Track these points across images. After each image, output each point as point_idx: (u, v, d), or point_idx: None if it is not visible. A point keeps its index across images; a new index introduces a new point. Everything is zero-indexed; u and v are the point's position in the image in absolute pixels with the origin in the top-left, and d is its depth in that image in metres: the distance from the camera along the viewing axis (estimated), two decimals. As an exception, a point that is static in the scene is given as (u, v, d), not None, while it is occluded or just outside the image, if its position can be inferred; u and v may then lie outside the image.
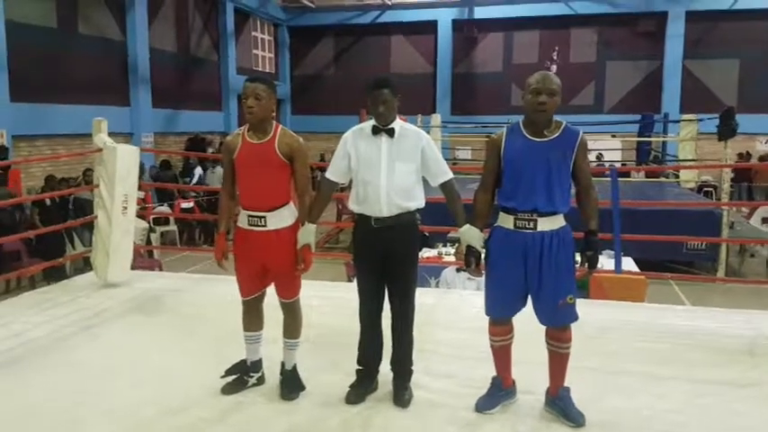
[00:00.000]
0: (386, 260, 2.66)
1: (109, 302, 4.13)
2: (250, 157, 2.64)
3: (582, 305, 4.24)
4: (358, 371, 2.80)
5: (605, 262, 6.28)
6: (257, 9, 17.85)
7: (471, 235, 2.61)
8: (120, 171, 4.37)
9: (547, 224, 2.45)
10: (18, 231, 6.95)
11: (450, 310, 4.00)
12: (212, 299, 4.21)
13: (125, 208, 4.46)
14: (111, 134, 4.71)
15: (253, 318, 2.83)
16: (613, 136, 15.15)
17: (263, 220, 2.65)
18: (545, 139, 2.47)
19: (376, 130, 2.65)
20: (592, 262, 2.55)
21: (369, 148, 2.66)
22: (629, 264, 6.14)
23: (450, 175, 2.71)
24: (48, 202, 8.06)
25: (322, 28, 19.30)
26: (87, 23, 11.41)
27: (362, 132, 2.70)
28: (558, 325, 2.53)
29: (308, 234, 2.69)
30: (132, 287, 4.50)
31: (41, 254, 7.41)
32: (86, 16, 11.37)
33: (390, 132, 2.64)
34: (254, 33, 18.39)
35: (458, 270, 4.97)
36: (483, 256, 2.61)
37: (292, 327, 2.80)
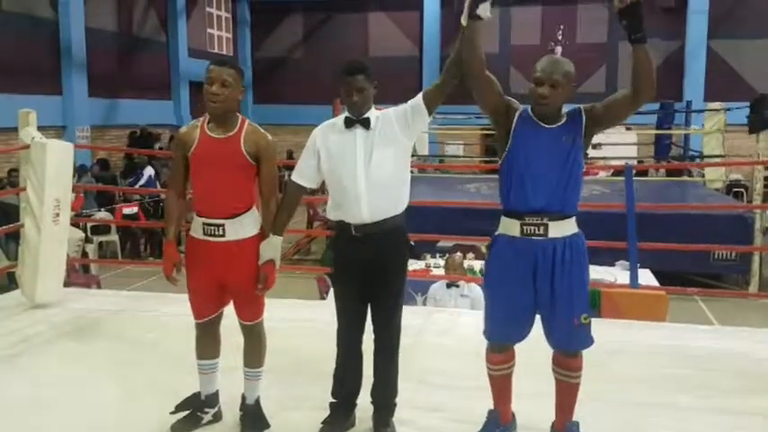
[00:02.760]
0: (370, 275, 2.65)
1: (38, 326, 4.08)
2: (209, 154, 2.62)
3: (594, 324, 4.34)
4: (332, 404, 2.80)
5: (619, 275, 6.37)
6: (213, -19, 17.84)
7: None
8: (51, 171, 4.33)
9: (559, 230, 2.47)
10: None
11: (440, 331, 4.03)
12: (159, 321, 4.19)
13: (57, 215, 4.42)
14: (40, 128, 4.66)
15: (208, 343, 2.81)
16: (628, 128, 15.30)
17: (221, 228, 2.63)
18: (556, 125, 2.50)
19: (349, 122, 2.64)
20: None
21: (341, 142, 2.65)
22: (647, 277, 6.22)
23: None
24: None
25: (288, 3, 19.25)
26: (12, -1, 11.28)
27: (334, 127, 2.71)
28: (571, 349, 2.55)
29: (272, 248, 2.67)
30: (65, 308, 4.46)
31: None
32: (11, -10, 11.23)
33: (366, 123, 2.64)
34: (208, 9, 18.32)
35: (448, 285, 5.00)
36: (480, 269, 2.67)
37: (255, 353, 2.79)
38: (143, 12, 15.41)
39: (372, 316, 2.73)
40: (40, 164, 4.30)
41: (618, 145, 13.66)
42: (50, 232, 4.37)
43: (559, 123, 2.50)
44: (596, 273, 6.56)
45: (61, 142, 4.59)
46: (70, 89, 12.55)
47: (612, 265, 6.68)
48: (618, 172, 10.36)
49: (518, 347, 2.68)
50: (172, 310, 4.34)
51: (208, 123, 2.66)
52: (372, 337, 2.75)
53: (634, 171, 10.83)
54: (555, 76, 2.43)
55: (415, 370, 3.27)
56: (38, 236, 4.33)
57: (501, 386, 2.67)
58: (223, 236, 2.63)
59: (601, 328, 4.15)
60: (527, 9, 18.29)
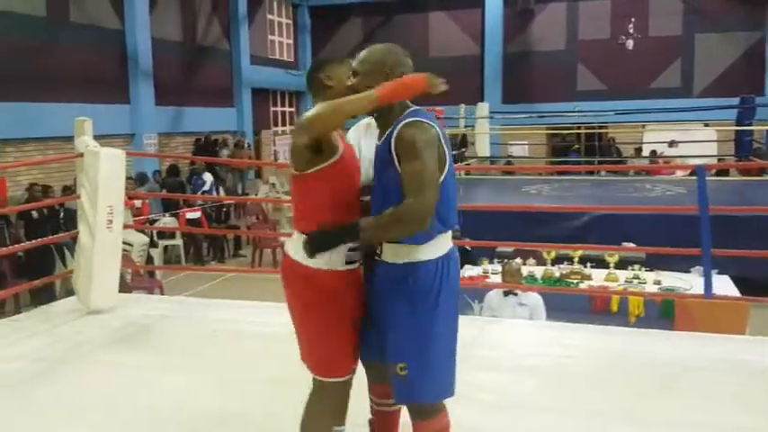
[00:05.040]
0: None
1: (89, 333, 4.11)
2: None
3: (664, 337, 4.08)
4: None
5: (695, 282, 5.99)
6: (274, -12, 18.09)
7: None
8: (104, 178, 4.37)
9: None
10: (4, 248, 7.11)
11: (495, 344, 3.83)
12: (210, 328, 4.12)
13: (110, 221, 4.46)
14: (109, 136, 4.73)
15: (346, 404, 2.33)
16: (706, 125, 14.64)
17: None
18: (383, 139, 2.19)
19: None
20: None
21: (371, 146, 2.42)
22: (725, 285, 5.85)
23: None
24: (34, 214, 8.24)
25: (347, 6, 19.37)
26: (80, 11, 11.73)
27: (369, 128, 2.57)
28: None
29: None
30: (119, 314, 4.49)
31: (28, 273, 7.59)
32: (79, 3, 11.68)
33: None
34: (269, 16, 18.61)
35: (505, 293, 4.80)
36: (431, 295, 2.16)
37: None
38: (206, 21, 15.77)
39: None
40: (93, 171, 4.35)
41: (695, 142, 13.03)
42: (104, 239, 4.42)
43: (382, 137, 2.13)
44: (670, 279, 6.21)
45: (113, 150, 4.64)
46: (137, 98, 12.95)
47: (687, 271, 6.31)
48: (695, 171, 9.84)
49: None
50: (223, 316, 4.31)
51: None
52: None
53: (712, 171, 10.41)
54: (356, 65, 2.17)
55: (463, 386, 3.09)
56: (92, 242, 4.38)
57: None
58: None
59: (672, 341, 3.93)
60: (595, 3, 17.80)
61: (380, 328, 2.15)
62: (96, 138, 4.72)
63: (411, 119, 2.02)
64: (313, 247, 2.06)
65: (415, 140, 1.97)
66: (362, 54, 2.19)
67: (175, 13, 14.62)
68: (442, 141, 2.05)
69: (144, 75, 12.99)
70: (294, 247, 2.17)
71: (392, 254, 2.10)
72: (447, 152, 2.06)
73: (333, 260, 2.14)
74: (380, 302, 2.14)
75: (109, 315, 4.43)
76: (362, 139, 2.55)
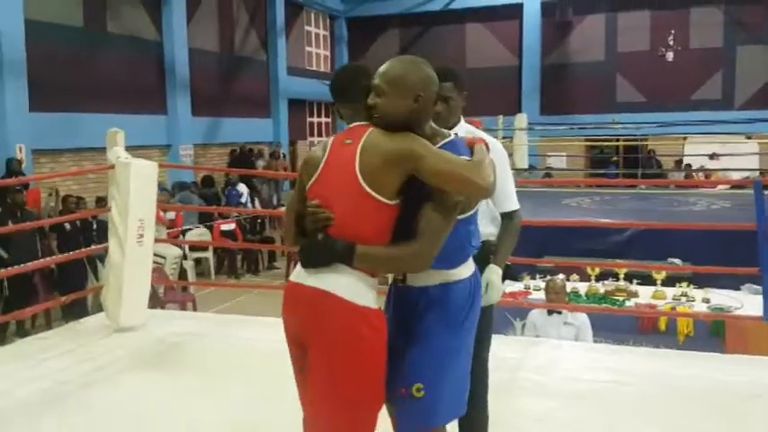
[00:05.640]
0: None
1: (117, 352, 4.00)
2: None
3: (717, 361, 3.81)
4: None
5: (746, 300, 5.67)
6: (311, 0, 18.11)
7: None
8: (135, 191, 4.27)
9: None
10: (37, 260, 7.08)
11: (540, 367, 3.61)
12: (239, 347, 4.04)
13: (141, 235, 4.36)
14: (145, 147, 4.66)
15: None
16: (748, 138, 14.21)
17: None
18: None
19: None
20: None
21: None
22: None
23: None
24: (67, 226, 8.21)
25: (385, 18, 19.37)
26: (118, 22, 11.82)
27: None
28: None
29: None
30: (148, 332, 4.39)
31: (60, 286, 7.56)
32: (117, 13, 11.78)
33: None
34: (307, 28, 18.66)
35: (549, 312, 4.55)
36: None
37: None
38: (244, 31, 15.83)
39: None
40: (124, 183, 4.26)
41: (738, 156, 12.60)
42: (134, 254, 4.31)
43: None
44: (719, 297, 5.90)
45: (145, 161, 4.54)
46: (174, 108, 13.00)
47: (737, 288, 5.98)
48: (737, 185, 9.50)
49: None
50: (252, 335, 4.22)
51: None
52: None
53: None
54: (378, 81, 1.93)
55: (508, 414, 2.89)
56: (122, 257, 4.28)
57: None
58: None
59: (725, 365, 3.66)
60: (635, 14, 17.57)
61: (395, 354, 1.97)
62: (133, 148, 4.65)
63: None
64: (313, 256, 1.91)
65: None
66: (387, 69, 1.94)
67: (213, 23, 14.70)
68: None
69: (181, 85, 13.05)
70: (347, 284, 1.88)
71: (424, 277, 1.98)
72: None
73: (374, 297, 1.94)
74: (402, 327, 2.00)
75: (138, 333, 4.35)
76: None
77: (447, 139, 1.99)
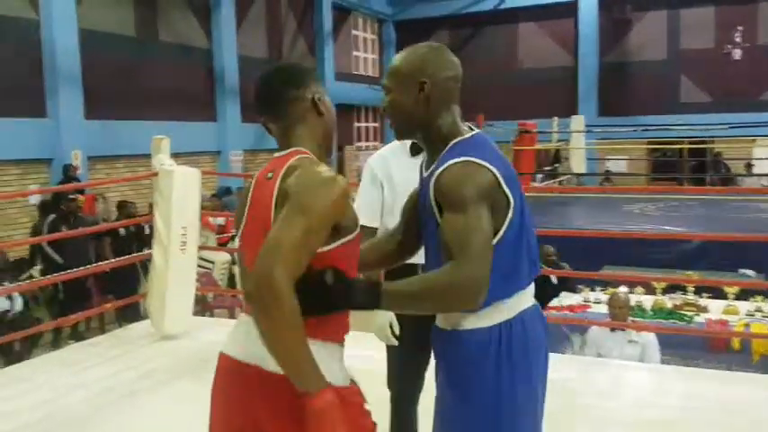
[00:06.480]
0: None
1: (161, 360, 3.97)
2: None
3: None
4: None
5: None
6: (359, 4, 18.12)
7: None
8: (178, 198, 4.24)
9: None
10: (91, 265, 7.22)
11: (603, 391, 3.37)
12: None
13: (184, 243, 4.32)
14: (195, 153, 4.66)
15: None
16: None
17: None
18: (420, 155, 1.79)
19: (417, 149, 2.17)
20: None
21: (406, 170, 2.13)
22: None
23: None
24: (122, 231, 8.38)
25: (434, 20, 19.27)
26: (169, 30, 12.05)
27: (393, 154, 2.28)
28: None
29: None
30: (192, 339, 4.35)
31: (114, 289, 7.69)
32: (168, 22, 12.02)
33: None
34: (354, 32, 18.68)
35: (612, 328, 4.30)
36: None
37: None
38: (292, 38, 15.95)
39: None
40: (167, 190, 4.23)
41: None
42: (178, 261, 4.28)
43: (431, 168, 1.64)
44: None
45: (188, 168, 4.51)
46: (224, 115, 13.18)
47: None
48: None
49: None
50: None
51: None
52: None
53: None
54: (385, 79, 1.68)
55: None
56: (165, 265, 4.26)
57: None
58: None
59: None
60: (698, 10, 17.00)
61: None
62: (183, 155, 4.64)
63: (458, 158, 1.53)
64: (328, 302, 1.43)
65: (460, 186, 1.49)
66: (394, 62, 1.67)
67: (261, 30, 14.85)
68: (503, 184, 1.53)
69: (230, 92, 13.21)
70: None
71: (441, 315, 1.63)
72: (512, 195, 1.54)
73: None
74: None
75: (182, 341, 4.31)
76: (394, 168, 2.25)
77: (461, 138, 1.61)
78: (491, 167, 1.52)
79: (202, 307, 7.40)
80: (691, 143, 13.93)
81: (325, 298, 1.39)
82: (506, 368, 1.53)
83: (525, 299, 1.60)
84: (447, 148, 1.58)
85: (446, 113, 1.62)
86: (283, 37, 15.68)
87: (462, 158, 1.52)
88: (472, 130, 1.64)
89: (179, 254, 4.30)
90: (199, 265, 5.43)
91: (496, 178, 1.52)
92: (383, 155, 2.34)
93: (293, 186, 1.41)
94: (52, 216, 7.57)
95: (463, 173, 1.50)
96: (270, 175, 1.50)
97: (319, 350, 1.37)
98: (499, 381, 1.52)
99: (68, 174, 9.51)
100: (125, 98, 10.97)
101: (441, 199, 1.52)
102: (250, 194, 1.55)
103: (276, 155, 1.55)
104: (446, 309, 1.53)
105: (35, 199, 9.47)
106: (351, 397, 1.45)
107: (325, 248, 1.40)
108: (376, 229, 2.26)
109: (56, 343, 6.84)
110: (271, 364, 1.37)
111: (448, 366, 1.59)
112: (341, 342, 1.49)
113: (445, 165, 1.53)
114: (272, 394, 1.43)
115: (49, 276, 6.72)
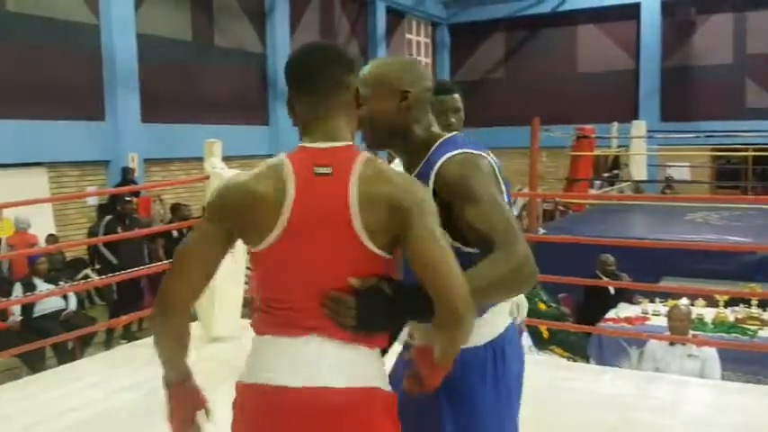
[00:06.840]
0: None
1: (207, 364, 3.97)
2: None
3: None
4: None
5: None
6: (413, 7, 18.12)
7: None
8: (228, 201, 4.30)
9: None
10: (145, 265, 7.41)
11: (661, 407, 3.25)
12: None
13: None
14: (248, 157, 4.72)
15: None
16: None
17: None
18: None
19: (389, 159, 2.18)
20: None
21: None
22: None
23: None
24: (174, 233, 8.56)
25: (489, 23, 19.11)
26: (224, 35, 12.30)
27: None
28: None
29: None
30: (241, 343, 4.37)
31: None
32: (223, 27, 12.27)
33: None
34: (408, 36, 18.68)
35: (672, 342, 4.14)
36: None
37: None
38: (345, 42, 16.06)
39: None
40: (218, 194, 4.29)
41: None
42: (227, 263, 4.31)
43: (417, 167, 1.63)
44: None
45: (238, 172, 4.57)
46: (276, 119, 13.36)
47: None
48: None
49: None
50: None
51: None
52: None
53: None
54: (361, 88, 1.55)
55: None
56: (214, 268, 4.31)
57: None
58: None
59: None
60: (766, 13, 16.26)
61: None
62: (236, 158, 4.70)
63: (453, 151, 1.54)
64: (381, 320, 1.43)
65: (471, 175, 1.49)
66: (365, 71, 1.63)
67: (315, 34, 15.00)
68: (498, 175, 1.57)
69: (283, 96, 13.22)
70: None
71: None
72: (506, 192, 1.57)
73: None
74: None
75: (230, 344, 4.36)
76: None
77: (445, 137, 1.63)
78: (488, 156, 1.58)
79: (251, 309, 7.48)
80: (756, 150, 13.40)
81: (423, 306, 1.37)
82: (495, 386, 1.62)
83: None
84: (434, 147, 1.60)
85: (424, 119, 1.66)
86: (337, 40, 15.79)
87: (458, 151, 1.55)
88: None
89: (228, 255, 4.35)
90: (248, 267, 5.47)
91: (494, 168, 1.57)
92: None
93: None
94: (108, 217, 7.81)
95: (468, 162, 1.53)
96: (325, 170, 1.37)
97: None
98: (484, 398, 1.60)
99: (126, 176, 9.81)
100: (180, 102, 11.25)
101: (450, 190, 1.51)
102: (294, 192, 1.37)
103: (316, 145, 1.41)
104: (515, 294, 1.54)
105: (93, 200, 9.80)
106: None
107: (390, 256, 1.41)
108: None
109: (108, 343, 7.03)
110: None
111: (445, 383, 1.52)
112: None
113: (442, 160, 1.54)
114: (394, 413, 1.44)
115: (103, 277, 6.92)
